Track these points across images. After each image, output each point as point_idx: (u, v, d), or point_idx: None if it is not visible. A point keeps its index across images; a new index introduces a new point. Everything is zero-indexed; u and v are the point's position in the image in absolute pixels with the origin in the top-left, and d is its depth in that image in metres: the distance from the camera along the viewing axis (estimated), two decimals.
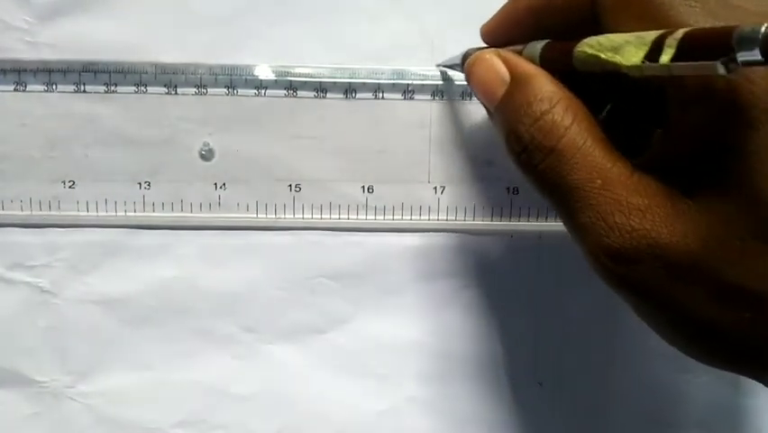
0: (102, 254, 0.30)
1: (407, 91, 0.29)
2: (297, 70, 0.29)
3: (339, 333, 0.31)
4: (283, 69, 0.29)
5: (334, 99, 0.29)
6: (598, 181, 0.20)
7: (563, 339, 0.31)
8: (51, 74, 0.29)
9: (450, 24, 0.29)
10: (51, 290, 0.30)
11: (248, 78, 0.29)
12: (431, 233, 0.30)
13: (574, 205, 0.20)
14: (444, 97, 0.29)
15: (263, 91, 0.29)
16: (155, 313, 0.30)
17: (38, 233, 0.30)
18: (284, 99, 0.29)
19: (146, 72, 0.29)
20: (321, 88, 0.29)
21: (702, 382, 0.31)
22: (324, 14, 0.29)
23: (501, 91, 0.22)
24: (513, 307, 0.31)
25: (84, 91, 0.29)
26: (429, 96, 0.29)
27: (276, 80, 0.29)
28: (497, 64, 0.23)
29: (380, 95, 0.29)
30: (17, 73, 0.29)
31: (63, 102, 0.29)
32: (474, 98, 0.29)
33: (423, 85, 0.29)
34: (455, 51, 0.27)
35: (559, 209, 0.21)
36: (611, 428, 0.32)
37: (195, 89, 0.29)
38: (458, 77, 0.29)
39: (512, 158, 0.22)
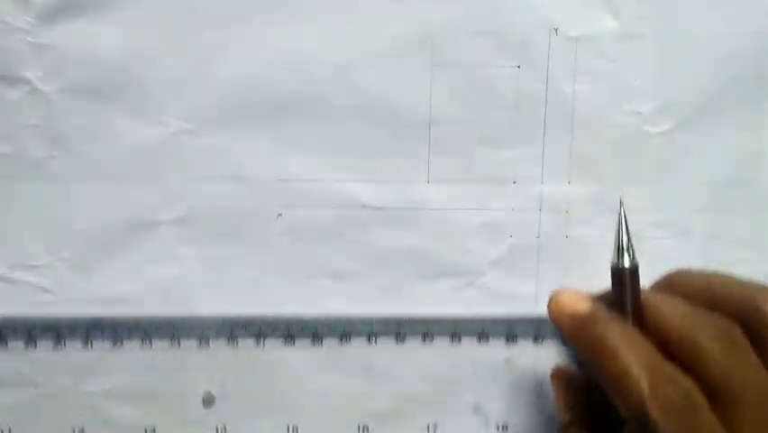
0: (104, 255, 0.30)
1: (399, 334, 0.31)
2: (294, 320, 0.31)
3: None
4: (280, 321, 0.31)
5: (330, 346, 0.31)
6: None
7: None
8: (60, 330, 0.30)
9: (450, 24, 0.29)
10: (53, 290, 0.30)
11: (247, 327, 0.31)
12: (430, 233, 0.31)
13: None
14: (434, 339, 0.31)
15: (263, 341, 0.31)
16: (156, 313, 0.31)
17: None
18: (282, 348, 0.31)
19: (151, 326, 0.30)
20: (317, 335, 0.31)
21: None
22: (323, 14, 0.29)
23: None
24: (513, 306, 0.31)
25: (91, 347, 0.30)
26: (420, 339, 0.31)
27: (274, 330, 0.31)
28: None
29: (374, 340, 0.31)
30: (27, 330, 0.30)
31: (71, 356, 0.30)
32: (462, 343, 0.31)
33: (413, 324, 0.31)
34: (455, 51, 0.29)
35: None
36: None
37: (197, 341, 0.31)
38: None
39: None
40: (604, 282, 0.30)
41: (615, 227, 0.26)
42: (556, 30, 0.29)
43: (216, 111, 0.29)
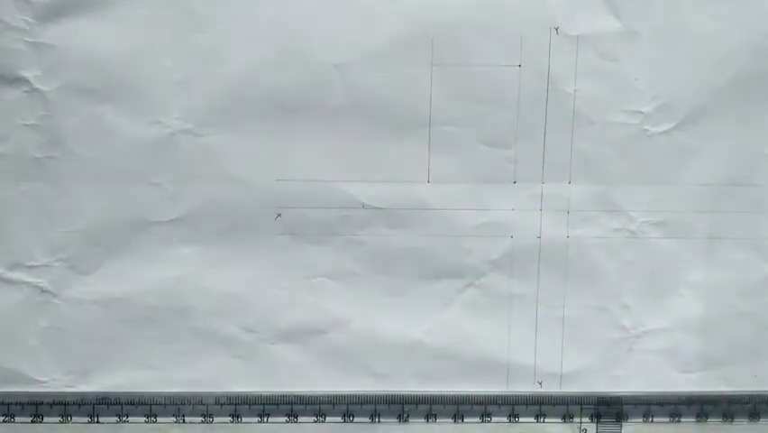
0: (103, 255, 0.30)
1: (402, 414, 0.31)
2: (297, 394, 0.31)
3: (339, 333, 0.31)
4: (283, 395, 0.31)
5: (334, 423, 0.31)
6: None
7: (563, 339, 0.31)
8: (67, 406, 0.31)
9: (450, 24, 0.29)
10: (51, 291, 0.30)
11: (251, 406, 0.31)
12: (430, 233, 0.31)
13: None
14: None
15: (266, 418, 0.31)
16: (155, 313, 0.31)
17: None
18: (286, 425, 0.31)
19: (156, 403, 0.31)
20: (320, 413, 0.31)
21: (696, 378, 0.32)
22: (323, 14, 0.29)
23: None
24: (513, 306, 0.31)
25: (98, 421, 0.31)
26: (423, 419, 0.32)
27: (278, 406, 0.31)
28: None
29: (377, 418, 0.31)
30: (35, 406, 0.31)
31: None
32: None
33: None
34: (455, 51, 0.29)
35: None
36: None
37: (201, 418, 0.31)
38: None
39: None
40: (604, 282, 0.31)
41: None
42: (557, 29, 0.29)
43: (215, 111, 0.29)
